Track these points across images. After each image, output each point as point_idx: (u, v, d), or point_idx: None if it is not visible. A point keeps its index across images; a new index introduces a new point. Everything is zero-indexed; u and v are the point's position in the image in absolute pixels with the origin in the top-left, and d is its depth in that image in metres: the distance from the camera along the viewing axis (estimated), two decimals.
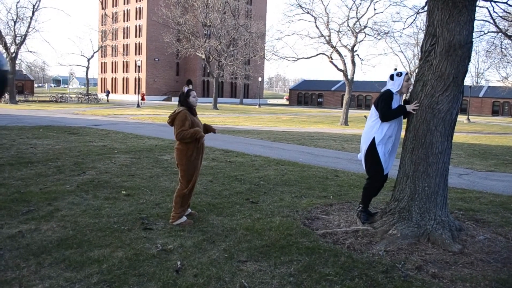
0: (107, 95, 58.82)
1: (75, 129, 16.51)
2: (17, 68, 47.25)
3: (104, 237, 4.57)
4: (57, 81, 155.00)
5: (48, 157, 9.46)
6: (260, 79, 69.59)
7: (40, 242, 4.37)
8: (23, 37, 40.33)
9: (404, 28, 49.47)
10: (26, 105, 37.87)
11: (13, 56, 40.14)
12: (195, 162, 5.16)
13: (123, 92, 76.15)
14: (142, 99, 49.02)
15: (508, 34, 19.15)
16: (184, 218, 5.15)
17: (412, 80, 5.10)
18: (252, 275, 3.76)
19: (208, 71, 58.61)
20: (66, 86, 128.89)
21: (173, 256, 4.12)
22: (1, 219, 5.04)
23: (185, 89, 5.19)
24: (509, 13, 17.35)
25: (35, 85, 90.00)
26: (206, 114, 33.84)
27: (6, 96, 40.90)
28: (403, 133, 4.95)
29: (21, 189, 6.47)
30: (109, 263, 3.91)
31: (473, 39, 4.74)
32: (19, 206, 5.60)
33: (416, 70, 5.46)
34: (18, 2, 40.44)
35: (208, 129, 5.52)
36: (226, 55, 46.80)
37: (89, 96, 52.21)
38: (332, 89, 79.77)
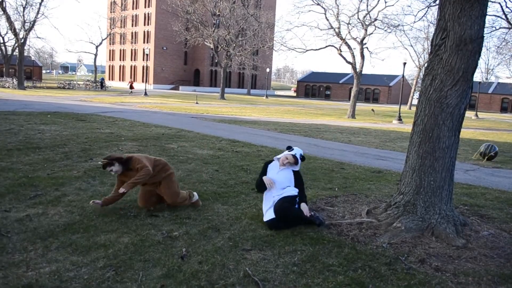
0: (102, 83, 51.35)
1: (82, 116, 16.60)
2: (25, 54, 47.30)
3: (111, 223, 4.62)
4: (65, 68, 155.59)
5: (55, 143, 9.53)
6: (268, 70, 69.39)
7: (47, 226, 4.43)
8: (32, 23, 40.40)
9: (414, 22, 49.17)
10: (34, 91, 38.06)
11: (21, 41, 40.28)
12: (144, 190, 5.18)
13: None
14: (131, 87, 46.52)
15: None
16: (197, 197, 5.42)
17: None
18: (256, 264, 3.79)
19: (216, 60, 58.52)
20: (74, 73, 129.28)
21: (178, 243, 4.17)
22: (9, 203, 5.12)
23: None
24: None
25: (43, 71, 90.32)
26: (213, 104, 33.87)
27: (15, 81, 41.16)
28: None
29: (29, 174, 6.54)
30: (115, 248, 3.96)
31: (484, 35, 4.69)
32: (27, 190, 5.67)
33: (426, 64, 5.42)
34: None
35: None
36: (234, 45, 46.63)
37: (97, 83, 52.21)
38: (340, 81, 79.37)
